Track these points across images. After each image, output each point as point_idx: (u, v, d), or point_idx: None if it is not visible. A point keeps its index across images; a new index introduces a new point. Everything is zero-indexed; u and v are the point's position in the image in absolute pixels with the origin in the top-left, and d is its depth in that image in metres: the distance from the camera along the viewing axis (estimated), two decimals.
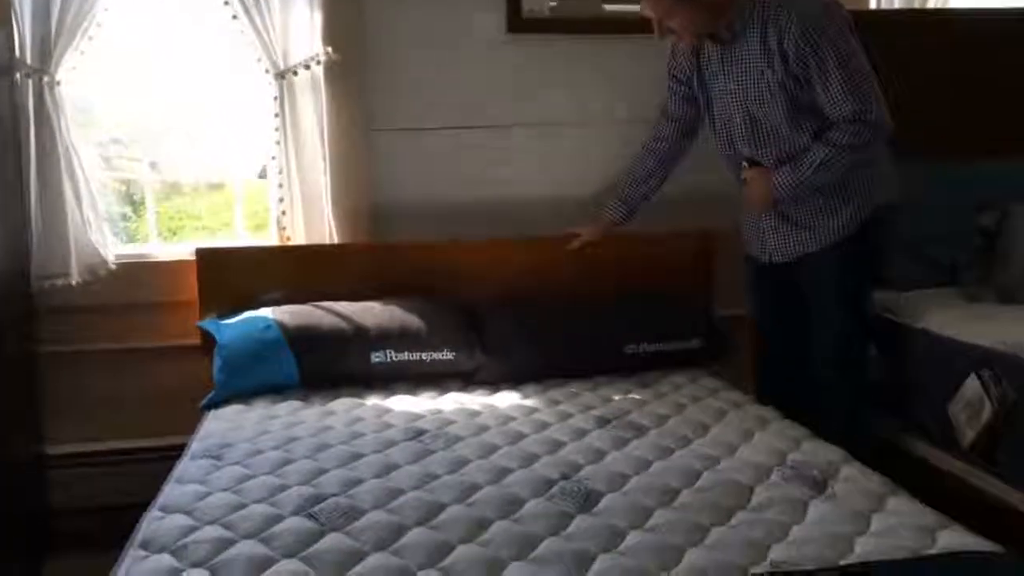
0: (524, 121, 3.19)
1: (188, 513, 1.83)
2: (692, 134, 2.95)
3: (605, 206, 3.01)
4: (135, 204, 3.19)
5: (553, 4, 3.18)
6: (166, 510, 1.86)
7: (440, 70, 3.14)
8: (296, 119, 3.01)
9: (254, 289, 2.93)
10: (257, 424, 2.37)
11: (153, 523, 1.80)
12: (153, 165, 3.19)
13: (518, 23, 3.14)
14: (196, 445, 2.26)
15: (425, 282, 2.99)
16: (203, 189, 3.25)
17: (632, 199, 2.98)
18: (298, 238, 3.05)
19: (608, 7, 3.19)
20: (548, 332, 2.85)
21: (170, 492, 1.95)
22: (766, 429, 2.32)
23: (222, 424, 2.39)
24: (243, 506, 1.85)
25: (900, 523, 1.76)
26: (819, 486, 1.92)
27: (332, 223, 3.04)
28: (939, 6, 3.46)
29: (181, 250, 3.09)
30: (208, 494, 1.91)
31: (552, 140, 3.22)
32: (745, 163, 2.71)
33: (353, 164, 3.06)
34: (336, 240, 3.05)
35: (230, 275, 2.96)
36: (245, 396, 2.62)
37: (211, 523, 1.79)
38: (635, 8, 2.94)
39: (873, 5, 3.47)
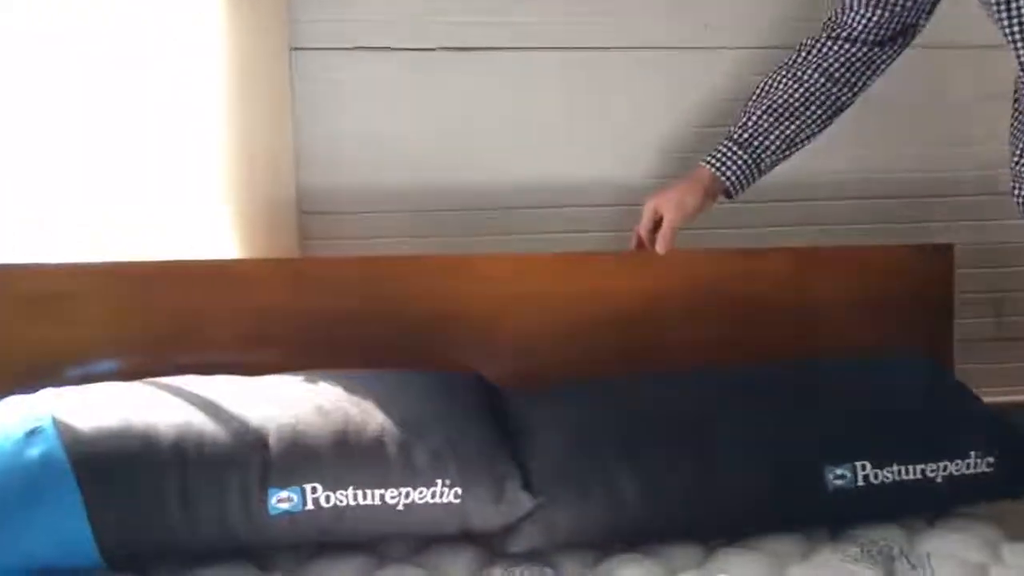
0: (560, 42, 1.68)
1: None
2: (900, 39, 1.51)
3: (708, 154, 1.54)
4: None
5: None
6: None
7: None
8: (150, 23, 1.53)
9: (56, 350, 1.42)
10: None
11: None
12: None
13: None
14: None
15: (395, 335, 1.48)
16: None
17: (762, 142, 1.51)
18: (154, 249, 1.55)
19: None
20: (662, 443, 1.32)
21: None
22: None
23: None
24: None
25: None
26: None
27: (224, 221, 1.55)
28: None
29: None
30: None
31: (607, 79, 1.70)
32: None
33: (262, 113, 1.57)
34: (230, 254, 1.55)
35: (5, 320, 1.44)
36: None
37: None
38: None
39: None
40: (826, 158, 1.70)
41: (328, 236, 1.62)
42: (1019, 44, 1.30)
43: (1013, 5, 1.29)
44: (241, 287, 1.50)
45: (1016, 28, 1.30)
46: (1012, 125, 1.43)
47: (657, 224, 1.55)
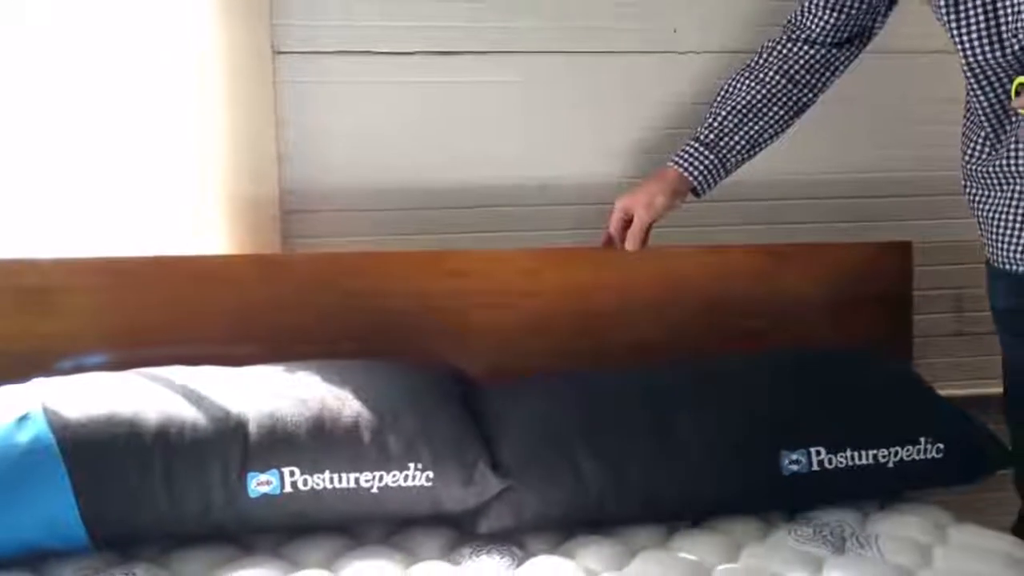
0: (533, 47, 1.74)
1: None
2: (857, 40, 1.58)
3: (675, 155, 1.60)
4: None
5: None
6: None
7: None
8: (135, 26, 1.59)
9: (45, 342, 1.48)
10: None
11: None
12: None
13: None
14: None
15: (372, 328, 1.54)
16: None
17: (727, 143, 1.57)
18: (141, 246, 1.61)
19: None
20: (625, 430, 1.38)
21: None
22: None
23: None
24: None
25: None
26: None
27: (209, 220, 1.61)
28: None
29: None
30: None
31: (580, 83, 1.75)
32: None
33: (246, 115, 1.63)
34: (215, 251, 1.61)
35: None
36: None
37: None
38: None
39: None
40: (791, 159, 1.76)
41: (309, 234, 1.68)
42: (965, 46, 1.37)
43: (960, 9, 1.35)
44: (225, 283, 1.55)
45: (962, 30, 1.36)
46: (964, 126, 1.49)
47: (627, 223, 1.61)
